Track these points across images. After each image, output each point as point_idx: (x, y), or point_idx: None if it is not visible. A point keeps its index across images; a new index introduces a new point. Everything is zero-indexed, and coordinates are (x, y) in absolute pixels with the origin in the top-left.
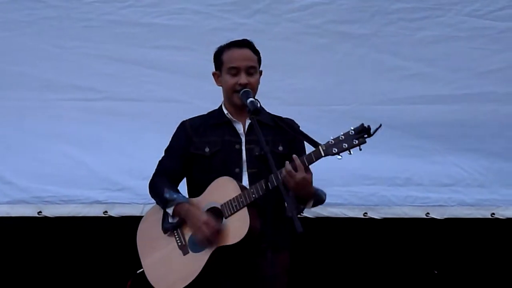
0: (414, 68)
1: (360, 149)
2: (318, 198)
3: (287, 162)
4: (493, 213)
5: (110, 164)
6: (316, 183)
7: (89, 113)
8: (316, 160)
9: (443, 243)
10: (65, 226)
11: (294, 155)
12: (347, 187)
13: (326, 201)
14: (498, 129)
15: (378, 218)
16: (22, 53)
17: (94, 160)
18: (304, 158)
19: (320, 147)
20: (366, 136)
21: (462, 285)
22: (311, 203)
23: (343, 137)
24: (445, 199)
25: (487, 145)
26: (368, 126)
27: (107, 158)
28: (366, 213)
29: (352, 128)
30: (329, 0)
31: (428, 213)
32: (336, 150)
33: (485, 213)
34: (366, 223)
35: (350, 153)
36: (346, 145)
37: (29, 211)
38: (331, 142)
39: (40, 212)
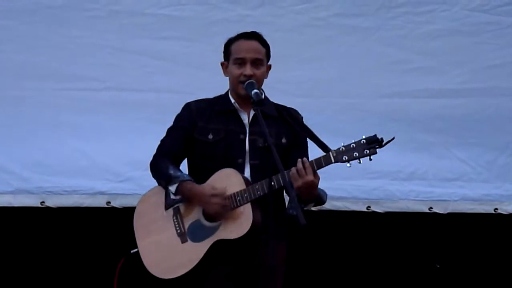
0: (419, 62)
1: (370, 159)
2: (319, 200)
3: (299, 160)
4: (496, 208)
5: (113, 155)
6: (320, 175)
7: (93, 103)
8: (325, 165)
9: (445, 238)
10: (67, 216)
11: (304, 158)
12: (351, 181)
13: (329, 194)
14: (503, 124)
15: (381, 212)
16: (25, 42)
17: (97, 150)
18: (314, 162)
19: (330, 153)
20: (377, 147)
21: (464, 280)
22: (311, 205)
23: (354, 145)
24: (448, 194)
25: (492, 139)
26: (381, 138)
27: (110, 148)
28: (369, 206)
29: (364, 137)
30: None
31: (431, 208)
32: (346, 158)
33: (488, 208)
34: (369, 216)
35: (360, 162)
36: (357, 154)
37: (31, 201)
38: (342, 149)
39: (43, 202)
